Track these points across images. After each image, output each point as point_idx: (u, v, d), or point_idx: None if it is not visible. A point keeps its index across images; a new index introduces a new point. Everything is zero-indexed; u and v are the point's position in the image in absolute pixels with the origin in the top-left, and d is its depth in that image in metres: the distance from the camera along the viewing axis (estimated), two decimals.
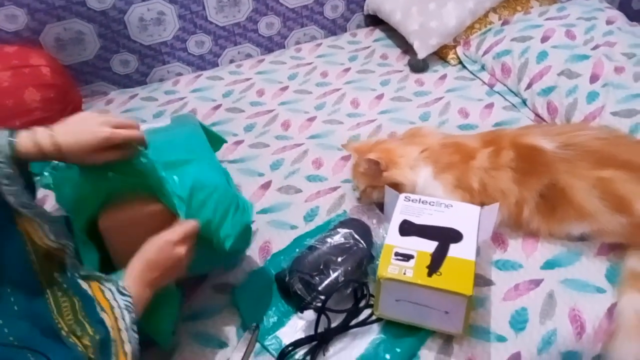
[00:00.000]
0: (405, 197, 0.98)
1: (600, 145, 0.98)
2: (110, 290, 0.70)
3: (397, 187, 1.03)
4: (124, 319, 0.67)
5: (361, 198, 1.12)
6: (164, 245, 0.75)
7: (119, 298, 0.69)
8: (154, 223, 0.79)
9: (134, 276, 0.73)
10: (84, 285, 0.70)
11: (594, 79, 1.28)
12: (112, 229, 0.82)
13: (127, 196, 0.84)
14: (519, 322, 0.89)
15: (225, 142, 1.20)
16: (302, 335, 0.88)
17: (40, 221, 0.70)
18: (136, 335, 0.68)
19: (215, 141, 1.13)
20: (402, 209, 0.95)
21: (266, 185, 1.21)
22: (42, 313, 0.67)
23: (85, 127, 0.73)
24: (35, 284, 0.69)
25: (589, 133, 1.03)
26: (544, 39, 1.43)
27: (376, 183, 1.05)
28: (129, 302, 0.69)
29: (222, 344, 0.90)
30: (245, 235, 0.91)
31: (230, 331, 0.92)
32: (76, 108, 1.47)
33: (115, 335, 0.66)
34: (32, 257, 0.70)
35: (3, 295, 0.65)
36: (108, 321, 0.66)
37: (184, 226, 0.78)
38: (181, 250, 0.76)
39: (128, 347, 0.66)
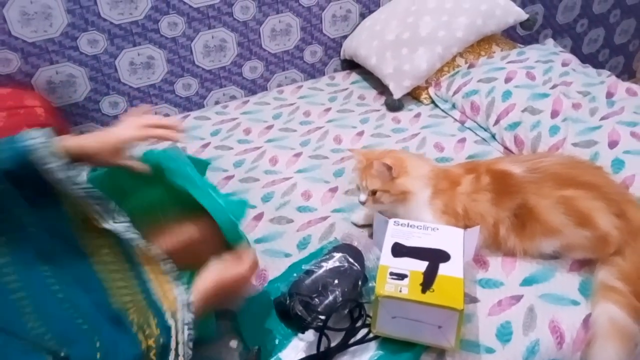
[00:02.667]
0: (395, 222, 1.05)
1: (561, 168, 1.10)
2: (181, 298, 0.74)
3: (405, 195, 1.09)
4: (184, 334, 0.71)
5: (365, 203, 1.13)
6: (238, 276, 0.83)
7: (185, 313, 0.73)
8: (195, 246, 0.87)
9: (202, 290, 0.78)
10: (151, 284, 0.75)
11: (554, 114, 1.41)
12: None
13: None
14: (504, 334, 0.96)
15: (209, 163, 1.23)
16: (304, 356, 0.93)
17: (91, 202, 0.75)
18: (190, 352, 0.72)
19: (200, 166, 1.19)
20: (392, 232, 1.02)
21: (259, 217, 1.27)
22: (103, 302, 0.71)
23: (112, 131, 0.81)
24: (93, 275, 0.74)
25: (551, 159, 1.15)
26: (507, 80, 1.57)
27: (387, 188, 1.09)
28: (191, 320, 0.73)
29: None
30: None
31: (234, 356, 0.95)
32: None
33: (174, 346, 0.70)
34: (83, 242, 0.76)
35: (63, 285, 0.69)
36: (173, 331, 0.71)
37: (252, 257, 0.87)
38: (249, 283, 0.86)
39: None
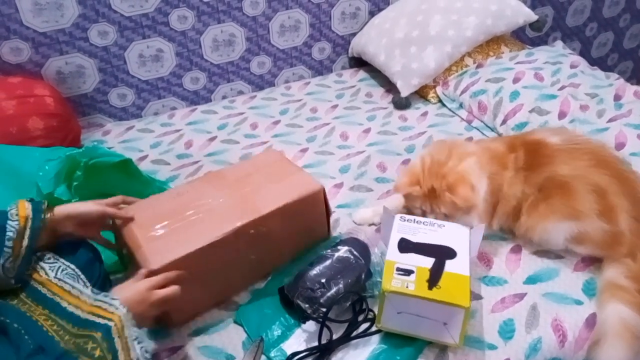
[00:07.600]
0: (401, 217, 1.05)
1: (599, 150, 1.10)
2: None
3: (471, 208, 1.07)
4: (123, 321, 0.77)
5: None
6: (143, 291, 0.85)
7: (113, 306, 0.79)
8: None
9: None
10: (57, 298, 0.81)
11: (562, 115, 1.41)
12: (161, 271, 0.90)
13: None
14: (507, 331, 0.96)
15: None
16: (306, 347, 0.93)
17: None
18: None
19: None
20: (399, 228, 1.03)
21: None
22: (49, 345, 0.75)
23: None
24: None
25: (589, 140, 1.14)
26: (515, 80, 1.57)
27: (458, 209, 1.06)
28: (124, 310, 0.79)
29: (229, 357, 0.94)
30: None
31: (237, 345, 0.96)
32: (76, 137, 1.51)
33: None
34: None
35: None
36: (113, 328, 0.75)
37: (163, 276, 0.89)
38: (158, 294, 0.86)
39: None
